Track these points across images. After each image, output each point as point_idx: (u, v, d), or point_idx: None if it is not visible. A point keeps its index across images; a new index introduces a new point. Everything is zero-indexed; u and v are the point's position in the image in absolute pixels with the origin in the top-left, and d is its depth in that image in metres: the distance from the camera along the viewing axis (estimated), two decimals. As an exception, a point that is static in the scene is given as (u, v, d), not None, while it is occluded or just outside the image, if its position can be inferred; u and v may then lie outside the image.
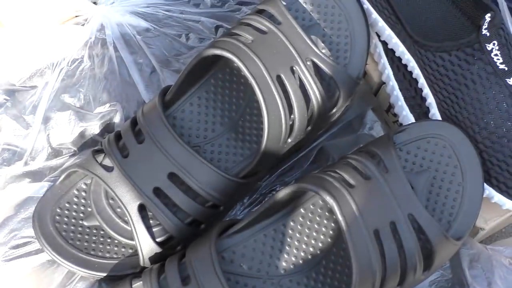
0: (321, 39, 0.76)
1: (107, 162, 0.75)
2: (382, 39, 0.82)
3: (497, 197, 0.77)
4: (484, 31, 0.77)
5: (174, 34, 0.86)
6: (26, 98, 0.83)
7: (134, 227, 0.73)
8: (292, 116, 0.72)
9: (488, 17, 0.77)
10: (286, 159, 0.81)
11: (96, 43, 0.85)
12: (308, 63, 0.72)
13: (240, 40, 0.73)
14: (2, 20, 0.86)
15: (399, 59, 0.81)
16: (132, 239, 0.74)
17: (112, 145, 0.75)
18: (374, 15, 0.81)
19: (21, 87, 0.83)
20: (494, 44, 0.77)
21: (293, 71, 0.72)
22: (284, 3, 0.75)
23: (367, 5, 0.81)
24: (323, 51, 0.74)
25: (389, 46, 0.82)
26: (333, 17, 0.78)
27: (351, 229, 0.65)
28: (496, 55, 0.77)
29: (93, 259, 0.75)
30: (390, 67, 0.82)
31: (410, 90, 0.81)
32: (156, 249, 0.73)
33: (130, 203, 0.73)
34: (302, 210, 0.74)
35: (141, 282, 0.70)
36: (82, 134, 0.82)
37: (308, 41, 0.73)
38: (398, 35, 0.80)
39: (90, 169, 0.75)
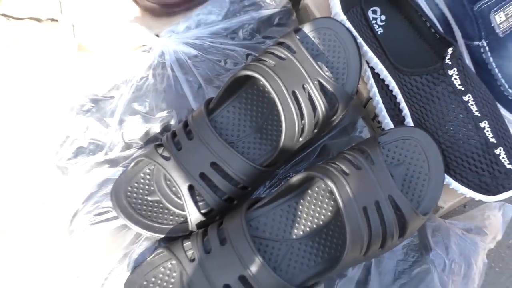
0: (325, 64, 0.76)
1: (166, 153, 0.75)
2: (370, 65, 0.82)
3: (454, 184, 0.76)
4: (447, 61, 0.77)
5: (215, 59, 0.86)
6: (106, 106, 0.83)
7: (185, 201, 0.73)
8: (303, 121, 0.72)
9: (450, 50, 0.77)
10: (298, 153, 0.81)
11: (158, 66, 0.85)
12: (315, 82, 0.72)
13: (265, 64, 0.73)
14: (90, 48, 0.87)
15: (383, 80, 0.81)
16: (183, 210, 0.74)
17: (169, 141, 0.76)
18: (365, 47, 0.81)
19: (103, 97, 0.83)
20: (454, 70, 0.77)
21: (304, 88, 0.72)
22: (298, 37, 0.76)
23: (359, 40, 0.81)
24: (327, 73, 0.74)
25: (376, 71, 0.81)
26: (334, 48, 0.77)
27: (346, 206, 0.66)
28: (455, 78, 0.77)
29: (154, 224, 0.75)
30: (376, 86, 0.82)
31: (391, 103, 0.81)
32: (201, 218, 0.73)
33: (182, 184, 0.73)
34: (309, 192, 0.74)
35: (190, 242, 0.71)
36: (147, 133, 0.82)
37: (316, 66, 0.73)
38: (382, 62, 0.80)
39: (153, 158, 0.75)
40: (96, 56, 0.86)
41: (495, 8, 0.79)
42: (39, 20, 1.03)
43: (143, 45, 0.86)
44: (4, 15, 1.02)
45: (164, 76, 0.85)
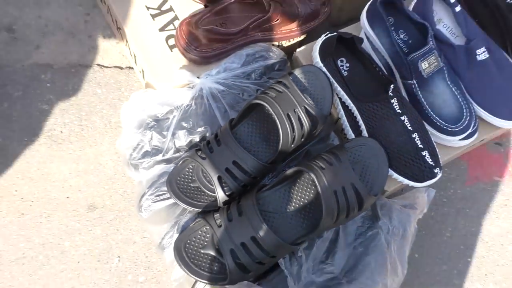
0: (309, 96, 0.75)
1: (203, 155, 0.74)
2: (339, 96, 0.81)
3: (395, 175, 0.76)
4: (390, 93, 0.77)
5: (236, 92, 0.85)
6: (164, 123, 0.82)
7: (215, 187, 0.72)
8: (294, 133, 0.72)
9: (392, 86, 0.77)
10: (291, 155, 0.80)
11: (198, 97, 0.84)
12: (302, 108, 0.72)
13: (269, 96, 0.73)
14: (154, 85, 0.87)
15: (347, 106, 0.80)
16: (214, 193, 0.73)
17: (205, 146, 0.75)
18: (335, 84, 0.80)
19: (162, 118, 0.83)
20: (394, 99, 0.77)
21: (295, 112, 0.72)
22: (291, 78, 0.75)
23: (332, 79, 0.80)
24: (310, 102, 0.73)
25: (343, 100, 0.81)
26: (315, 85, 0.77)
27: (322, 190, 0.65)
28: (395, 105, 0.77)
29: (195, 202, 0.74)
30: (343, 110, 0.81)
31: (352, 121, 0.80)
32: (226, 198, 0.73)
33: (214, 175, 0.72)
34: (299, 180, 0.74)
35: (218, 214, 0.71)
36: (190, 141, 0.81)
37: (302, 97, 0.73)
38: (347, 94, 0.79)
39: (194, 158, 0.75)
40: (158, 91, 0.85)
41: (421, 59, 0.78)
42: (120, 68, 1.03)
43: (189, 83, 0.86)
44: (98, 65, 1.02)
45: (202, 104, 0.84)
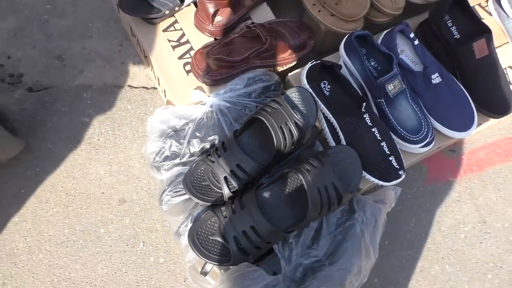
0: (298, 111, 0.75)
1: (212, 159, 0.74)
2: (322, 112, 0.80)
3: (367, 176, 0.75)
4: (363, 110, 0.76)
5: (239, 109, 0.84)
6: (181, 133, 0.82)
7: (222, 185, 0.72)
8: (285, 142, 0.71)
9: (364, 104, 0.76)
10: (283, 159, 0.79)
11: (209, 112, 0.83)
12: (293, 121, 0.71)
13: (265, 111, 0.72)
14: (174, 103, 0.86)
15: (329, 120, 0.79)
16: (221, 190, 0.72)
17: (214, 152, 0.74)
18: (319, 102, 0.79)
19: (179, 128, 0.82)
20: (366, 115, 0.76)
21: (286, 124, 0.71)
22: (283, 97, 0.75)
23: (316, 98, 0.79)
24: (299, 116, 0.72)
25: (325, 115, 0.80)
26: (303, 103, 0.77)
27: (308, 188, 0.65)
28: (367, 119, 0.76)
29: (205, 197, 0.73)
30: (326, 123, 0.80)
31: (333, 132, 0.79)
32: (230, 194, 0.72)
33: (221, 175, 0.72)
34: (289, 180, 0.73)
35: (224, 207, 0.70)
36: (202, 148, 0.80)
37: (293, 113, 0.72)
38: (329, 110, 0.78)
39: (205, 161, 0.74)
40: (176, 107, 0.85)
41: (388, 82, 0.77)
42: (147, 88, 1.02)
43: (201, 101, 0.85)
44: (128, 85, 1.02)
45: (212, 117, 0.83)
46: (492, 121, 0.90)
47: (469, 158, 1.01)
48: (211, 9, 0.86)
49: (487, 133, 1.04)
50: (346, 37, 0.84)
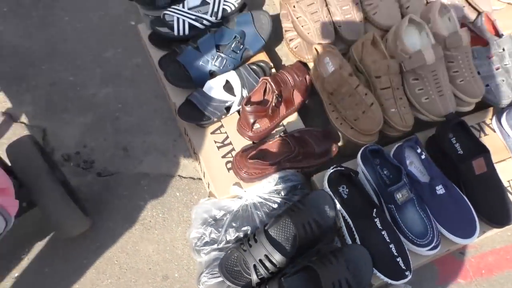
0: (319, 212, 0.82)
1: (244, 248, 0.80)
2: (340, 212, 0.86)
3: (378, 274, 0.80)
4: (374, 214, 0.84)
5: (270, 203, 0.86)
6: (220, 222, 0.87)
7: (251, 272, 0.78)
8: (307, 237, 0.79)
9: (375, 209, 0.84)
10: (306, 251, 0.82)
11: (244, 205, 0.90)
12: (314, 220, 0.80)
13: (292, 210, 0.82)
14: (216, 195, 0.94)
15: (347, 220, 0.85)
16: (250, 276, 0.79)
17: (246, 242, 0.80)
18: (338, 204, 0.86)
19: (219, 218, 0.87)
20: (377, 219, 0.84)
21: (308, 223, 0.79)
22: (307, 198, 0.83)
23: (335, 200, 0.86)
24: (319, 216, 0.80)
25: (343, 215, 0.86)
26: (324, 204, 0.84)
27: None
28: (378, 223, 0.84)
29: (237, 281, 0.79)
30: (343, 222, 0.86)
31: (350, 231, 0.85)
32: (258, 280, 0.78)
33: (250, 264, 0.78)
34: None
35: None
36: (237, 236, 0.86)
37: (313, 213, 0.80)
38: (346, 211, 0.85)
39: (238, 250, 0.80)
40: (217, 199, 0.92)
41: (396, 191, 0.84)
42: (193, 179, 1.11)
43: (238, 195, 0.92)
44: (179, 175, 1.11)
45: (247, 210, 0.90)
46: (496, 230, 0.94)
47: (479, 262, 1.02)
48: (251, 119, 0.98)
49: (496, 238, 1.06)
50: (362, 149, 0.91)
